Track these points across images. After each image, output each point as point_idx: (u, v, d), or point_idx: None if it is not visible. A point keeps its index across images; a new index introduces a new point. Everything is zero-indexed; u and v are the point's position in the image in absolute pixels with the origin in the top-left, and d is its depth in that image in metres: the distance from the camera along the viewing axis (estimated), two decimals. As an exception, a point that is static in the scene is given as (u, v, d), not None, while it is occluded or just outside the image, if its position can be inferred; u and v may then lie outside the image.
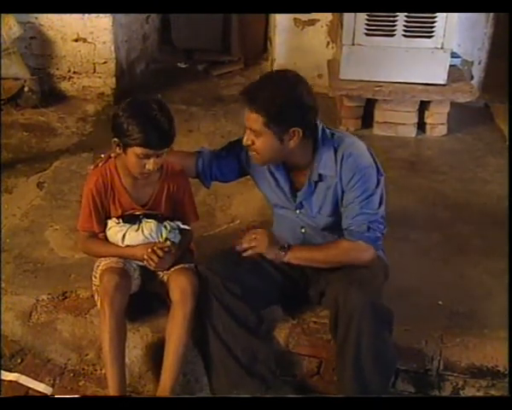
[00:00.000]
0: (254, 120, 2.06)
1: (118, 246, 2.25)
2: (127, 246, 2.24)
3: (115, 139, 2.13)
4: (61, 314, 2.44)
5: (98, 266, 2.27)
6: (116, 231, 2.25)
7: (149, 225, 2.23)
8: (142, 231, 2.23)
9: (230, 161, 2.35)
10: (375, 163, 2.17)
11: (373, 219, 2.13)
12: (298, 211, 2.26)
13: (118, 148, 2.15)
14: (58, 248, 2.78)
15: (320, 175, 2.17)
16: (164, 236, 2.23)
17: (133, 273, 2.27)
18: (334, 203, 2.19)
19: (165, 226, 2.25)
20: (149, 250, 2.18)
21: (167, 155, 2.19)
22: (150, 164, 2.12)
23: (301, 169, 2.21)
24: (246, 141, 2.13)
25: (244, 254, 2.20)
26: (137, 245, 2.22)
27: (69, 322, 2.43)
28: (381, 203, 2.15)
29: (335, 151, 2.14)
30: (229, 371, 2.19)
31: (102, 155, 2.33)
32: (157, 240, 2.22)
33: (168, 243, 2.21)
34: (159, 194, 2.28)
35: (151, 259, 2.18)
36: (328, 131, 2.19)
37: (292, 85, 2.06)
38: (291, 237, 2.31)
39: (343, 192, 2.16)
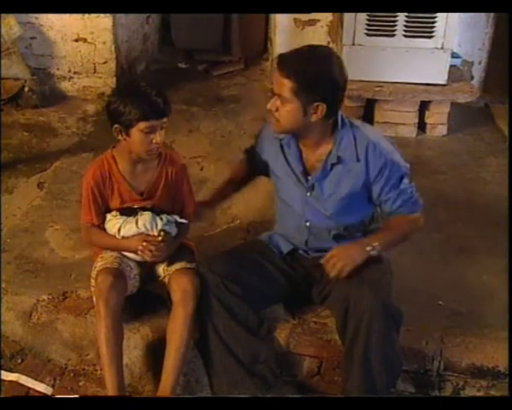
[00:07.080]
0: (283, 85, 2.05)
1: (115, 238, 2.26)
2: (123, 238, 2.24)
3: (116, 126, 2.15)
4: (62, 314, 2.44)
5: (95, 267, 2.27)
6: (114, 223, 2.26)
7: (144, 217, 2.23)
8: (137, 222, 2.23)
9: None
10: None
11: (414, 189, 2.21)
12: (309, 193, 2.24)
13: (120, 134, 2.16)
14: (58, 248, 2.78)
15: (339, 158, 2.17)
16: (159, 227, 2.23)
17: (129, 274, 2.27)
18: (351, 187, 2.18)
19: (161, 218, 2.25)
20: (143, 242, 2.19)
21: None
22: (157, 137, 2.14)
23: (313, 150, 2.20)
24: (271, 106, 2.12)
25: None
26: (132, 236, 2.23)
27: (69, 322, 2.43)
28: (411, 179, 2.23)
29: (354, 137, 2.16)
30: (230, 371, 2.19)
31: None
32: (151, 231, 2.22)
33: (162, 234, 2.21)
34: (157, 181, 2.29)
35: (145, 251, 2.18)
36: (345, 118, 2.20)
37: (325, 59, 2.07)
38: (296, 232, 2.31)
39: (371, 182, 2.17)
